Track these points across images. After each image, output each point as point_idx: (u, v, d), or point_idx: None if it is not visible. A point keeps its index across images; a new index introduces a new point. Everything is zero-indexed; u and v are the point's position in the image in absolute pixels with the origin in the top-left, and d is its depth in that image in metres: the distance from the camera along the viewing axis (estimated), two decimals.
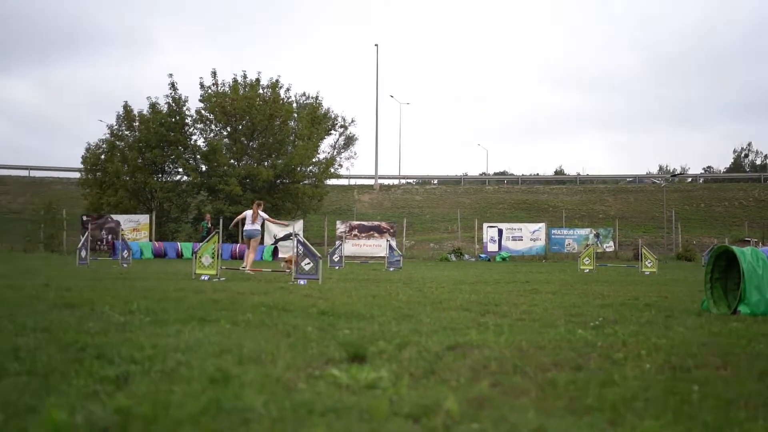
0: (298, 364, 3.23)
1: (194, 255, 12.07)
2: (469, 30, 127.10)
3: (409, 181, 59.56)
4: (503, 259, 32.71)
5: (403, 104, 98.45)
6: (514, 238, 34.34)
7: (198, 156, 33.99)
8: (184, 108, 33.82)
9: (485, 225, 35.21)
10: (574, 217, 42.67)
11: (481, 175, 64.31)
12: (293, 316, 5.34)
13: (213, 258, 11.72)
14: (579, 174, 61.85)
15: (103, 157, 33.25)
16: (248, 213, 15.51)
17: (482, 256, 33.62)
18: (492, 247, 34.06)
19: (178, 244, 28.89)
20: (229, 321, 4.86)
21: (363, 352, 3.50)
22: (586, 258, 20.15)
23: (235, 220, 16.44)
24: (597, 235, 34.58)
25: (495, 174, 66.55)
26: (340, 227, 33.73)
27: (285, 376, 2.90)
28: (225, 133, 34.81)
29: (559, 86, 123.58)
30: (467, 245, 36.14)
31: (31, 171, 50.23)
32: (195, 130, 34.73)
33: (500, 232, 34.51)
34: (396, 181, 57.76)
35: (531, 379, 2.99)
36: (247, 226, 15.44)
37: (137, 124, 33.55)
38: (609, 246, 34.57)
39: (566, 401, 2.60)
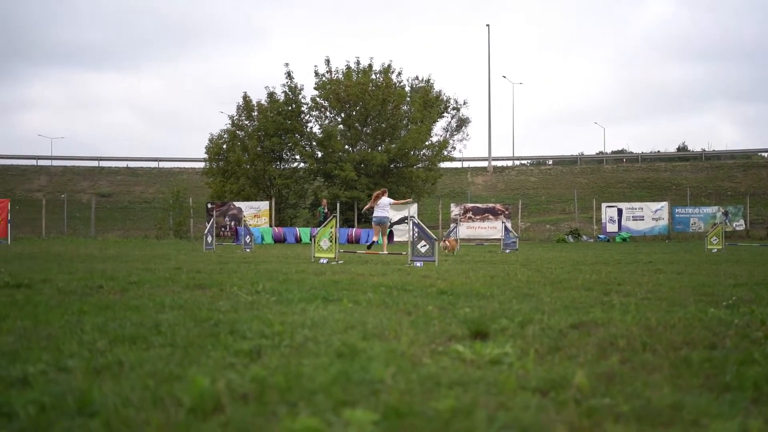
0: (421, 340, 3.26)
1: (313, 239, 12.42)
2: (581, 3, 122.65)
3: (523, 162, 58.38)
4: (623, 239, 31.62)
5: (516, 84, 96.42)
6: (634, 218, 33.09)
7: (314, 143, 34.76)
8: (300, 96, 34.67)
9: (604, 205, 34.12)
10: (699, 195, 40.53)
11: (598, 154, 62.16)
12: (413, 296, 5.39)
13: (331, 242, 12.00)
14: (704, 150, 58.48)
15: (224, 146, 34.64)
16: (387, 200, 16.03)
17: (601, 236, 32.63)
18: (611, 228, 32.99)
19: (297, 229, 29.76)
20: (350, 300, 4.97)
21: (485, 330, 3.49)
22: (714, 237, 19.10)
23: (368, 205, 16.93)
24: (726, 213, 32.72)
25: (613, 153, 64.13)
26: (455, 210, 33.64)
27: (409, 352, 2.94)
28: (339, 119, 35.43)
29: (678, 57, 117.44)
30: (585, 226, 35.15)
31: (160, 162, 53.09)
32: (310, 118, 35.57)
33: (620, 211, 33.34)
34: (510, 163, 56.80)
35: (662, 357, 2.88)
36: (378, 213, 15.94)
37: (256, 113, 34.71)
38: (739, 224, 32.64)
39: (702, 379, 2.49)
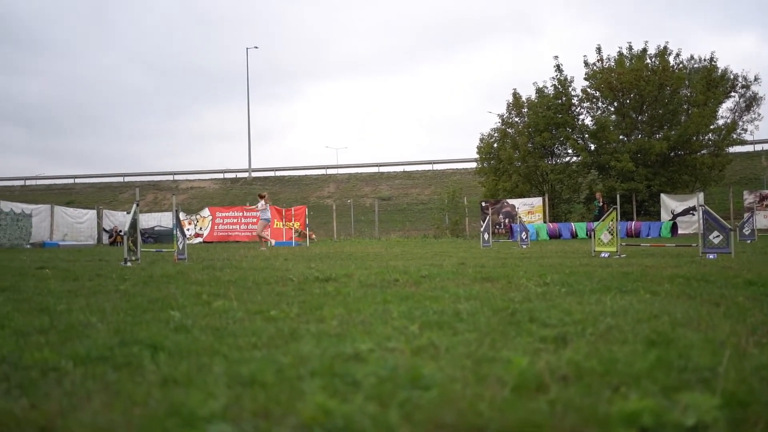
0: (739, 331, 3.01)
1: (592, 233, 12.10)
2: None
3: None
4: None
5: None
6: None
7: (586, 135, 33.77)
8: (570, 88, 33.91)
9: None
10: None
11: None
12: (716, 287, 5.00)
13: (612, 235, 11.58)
14: None
15: (495, 145, 35.08)
16: None
17: None
18: None
19: (572, 224, 29.10)
20: (647, 291, 4.75)
21: None
22: None
23: None
24: None
25: None
26: (748, 198, 30.43)
27: (730, 341, 2.73)
28: (612, 109, 34.03)
29: None
30: None
31: (433, 165, 55.32)
32: (581, 110, 34.64)
33: None
34: None
35: None
36: None
37: (525, 110, 34.66)
38: None
39: None
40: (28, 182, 59.55)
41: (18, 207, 26.53)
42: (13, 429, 1.68)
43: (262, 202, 20.71)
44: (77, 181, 59.46)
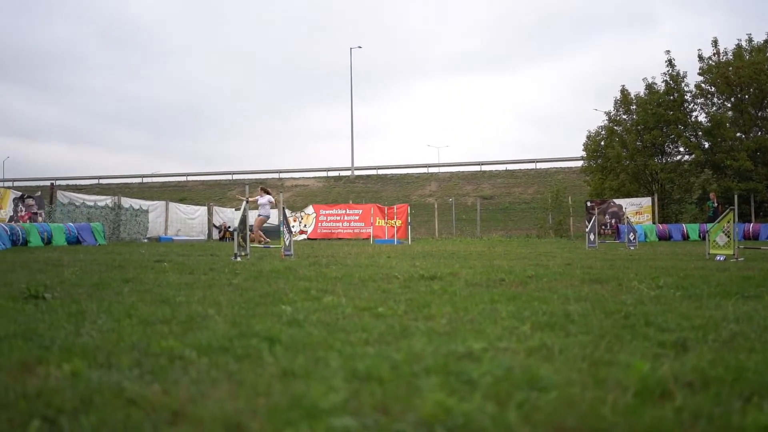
0: None
1: (706, 235, 11.59)
2: None
3: None
4: None
5: None
6: None
7: (699, 132, 32.25)
8: (682, 84, 32.46)
9: None
10: None
11: None
12: None
13: (728, 237, 11.03)
14: None
15: (602, 143, 34.07)
16: None
17: None
18: None
19: (683, 225, 27.87)
20: None
21: None
22: None
23: None
24: None
25: None
26: None
27: None
28: (728, 105, 32.32)
29: None
30: None
31: (537, 164, 54.34)
32: (695, 106, 33.06)
33: None
34: None
35: None
36: None
37: (634, 107, 33.48)
38: None
39: None
40: (145, 180, 62.72)
41: (136, 203, 27.99)
42: (149, 412, 1.78)
43: (269, 197, 18.60)
44: (189, 178, 62.07)
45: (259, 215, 18.48)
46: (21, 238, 17.17)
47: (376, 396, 1.90)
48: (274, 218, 24.60)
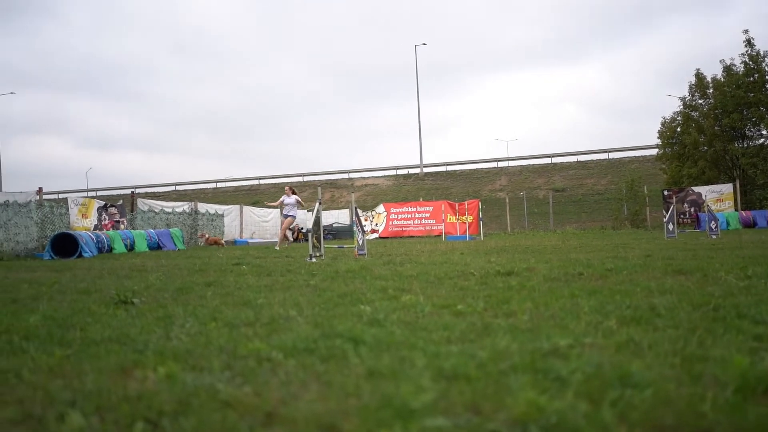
0: None
1: None
2: None
3: None
4: None
5: None
6: None
7: None
8: (763, 64, 31.08)
9: None
10: None
11: None
12: None
13: None
14: None
15: (678, 129, 32.99)
16: None
17: None
18: None
19: None
20: None
21: None
22: None
23: None
24: None
25: None
26: None
27: None
28: None
29: None
30: None
31: (609, 154, 53.04)
32: None
33: None
34: None
35: None
36: None
37: (711, 90, 32.27)
38: None
39: None
40: (219, 185, 64.27)
41: (212, 208, 28.73)
42: (244, 414, 1.83)
43: (295, 197, 18.16)
44: (261, 182, 63.29)
45: (287, 215, 18.39)
46: (106, 245, 17.86)
47: (465, 395, 1.90)
48: (300, 219, 25.17)
